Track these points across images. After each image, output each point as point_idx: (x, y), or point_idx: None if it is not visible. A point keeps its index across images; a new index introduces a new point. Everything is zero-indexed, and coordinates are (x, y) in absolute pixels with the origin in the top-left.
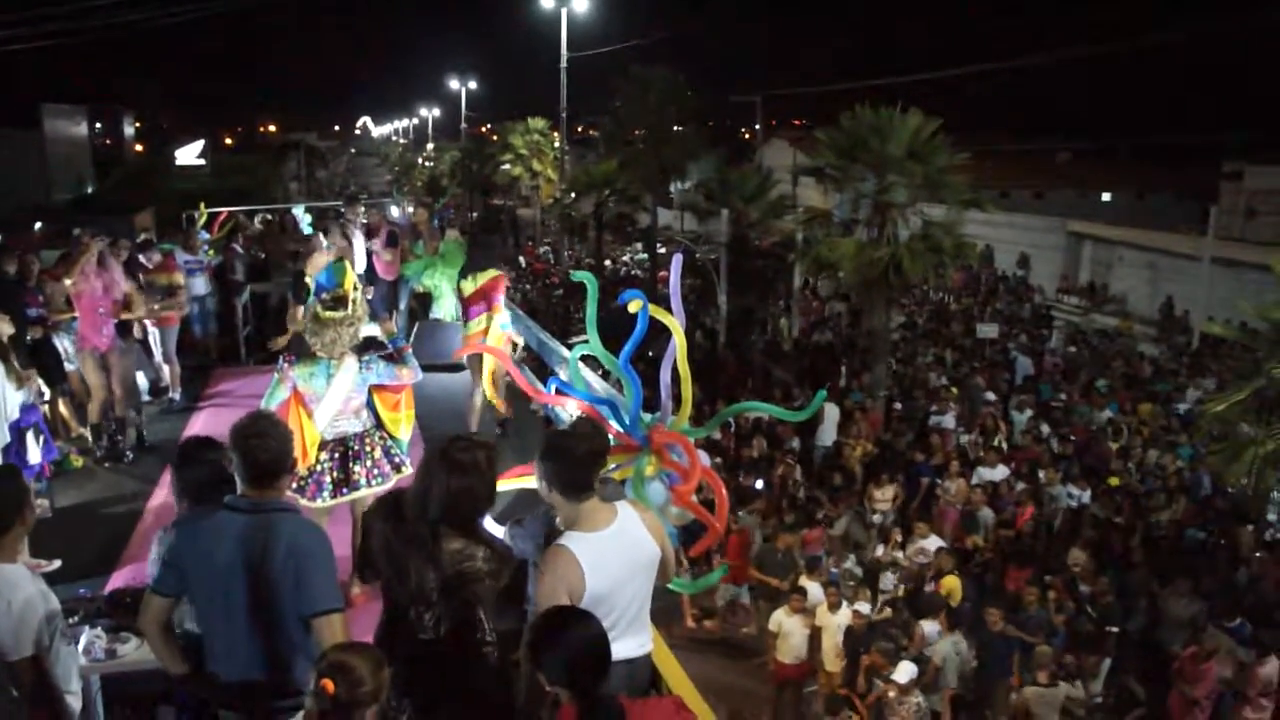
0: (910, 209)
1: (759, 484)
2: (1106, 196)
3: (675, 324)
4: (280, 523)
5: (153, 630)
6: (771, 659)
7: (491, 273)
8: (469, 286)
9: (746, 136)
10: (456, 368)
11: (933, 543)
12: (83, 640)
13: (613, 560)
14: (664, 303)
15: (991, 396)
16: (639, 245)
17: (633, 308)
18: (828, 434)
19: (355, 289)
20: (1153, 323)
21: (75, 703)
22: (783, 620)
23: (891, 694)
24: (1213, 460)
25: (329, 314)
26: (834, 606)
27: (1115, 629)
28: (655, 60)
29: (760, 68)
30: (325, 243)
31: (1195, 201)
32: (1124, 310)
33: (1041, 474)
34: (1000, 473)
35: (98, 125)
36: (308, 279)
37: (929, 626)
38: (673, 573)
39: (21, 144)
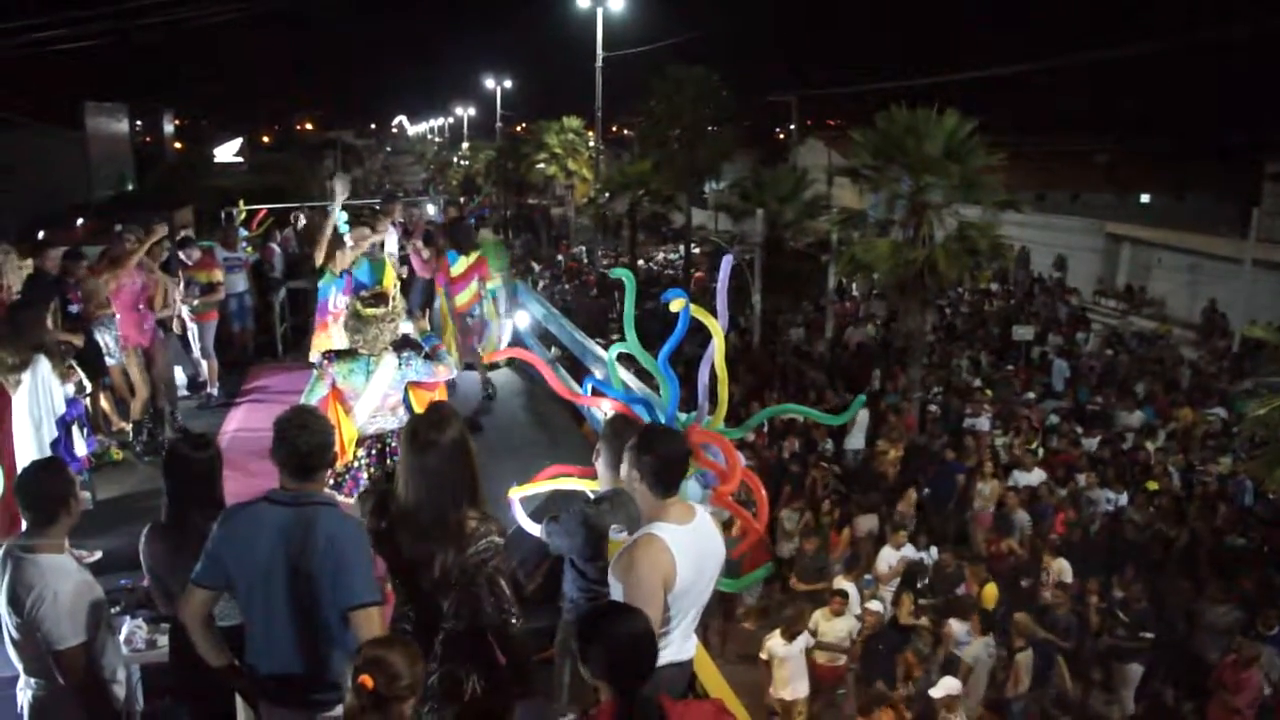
0: (946, 210)
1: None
2: (1145, 198)
3: (715, 324)
4: (320, 516)
5: (194, 622)
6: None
7: (476, 254)
8: (461, 266)
9: (781, 136)
10: (490, 367)
11: (909, 551)
12: (124, 630)
13: (694, 555)
14: (698, 301)
15: (1031, 396)
16: (681, 247)
17: (674, 307)
18: (857, 438)
19: (394, 286)
20: (1192, 326)
21: (120, 691)
22: (819, 621)
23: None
24: (1253, 466)
25: (370, 311)
26: (790, 635)
27: (1149, 635)
28: (690, 60)
29: (796, 67)
30: (349, 241)
31: (1237, 203)
32: (1163, 313)
33: (1080, 478)
34: (1037, 477)
35: (138, 123)
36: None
37: (958, 626)
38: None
39: (65, 142)
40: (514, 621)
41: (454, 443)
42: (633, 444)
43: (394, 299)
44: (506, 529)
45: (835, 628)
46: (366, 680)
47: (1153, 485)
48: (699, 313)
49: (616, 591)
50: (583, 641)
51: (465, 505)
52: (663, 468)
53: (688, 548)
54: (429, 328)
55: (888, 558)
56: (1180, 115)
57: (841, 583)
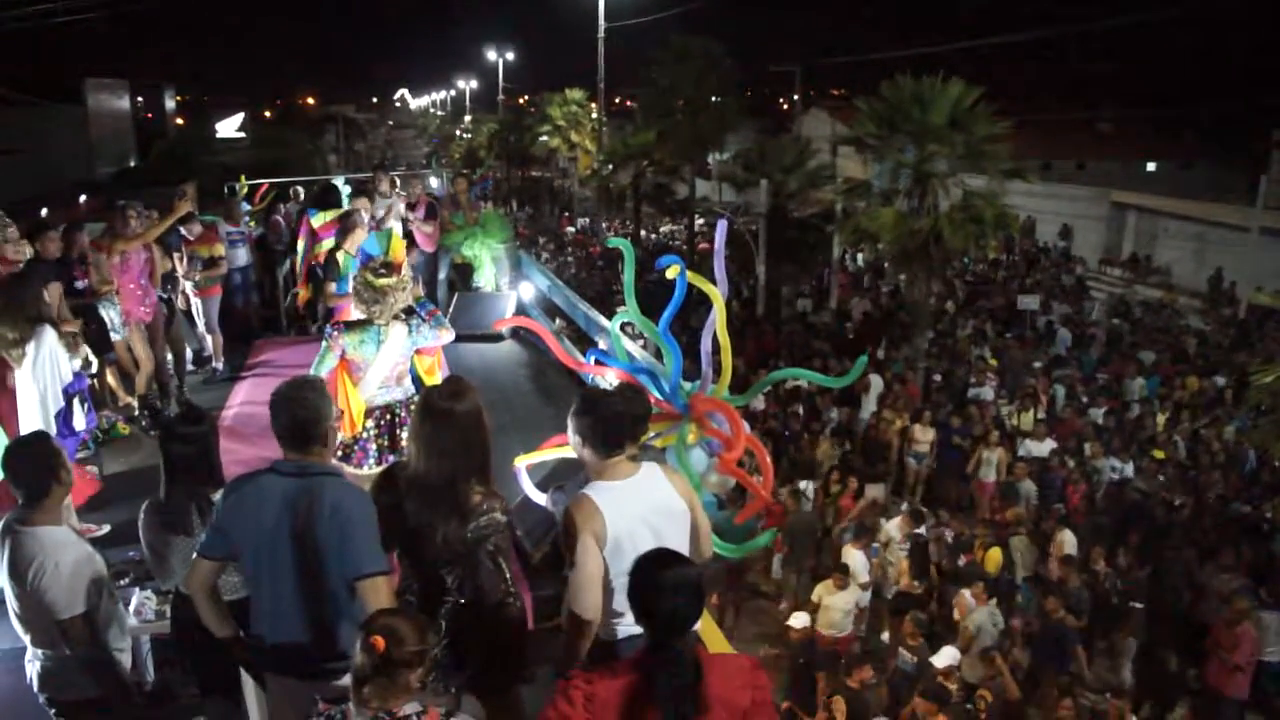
0: (951, 179)
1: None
2: (1151, 166)
3: (714, 291)
4: (324, 486)
5: (200, 593)
6: (809, 630)
7: (337, 210)
8: (320, 219)
9: (785, 106)
10: (495, 337)
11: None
12: (133, 601)
13: (630, 507)
14: (702, 272)
15: (1038, 365)
16: (685, 219)
17: (670, 273)
18: (871, 405)
19: (402, 254)
20: (1198, 295)
21: (125, 659)
22: (823, 593)
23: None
24: (1258, 434)
25: (383, 281)
26: None
27: (1138, 605)
28: (693, 30)
29: (799, 36)
30: (365, 217)
31: (1244, 171)
32: (1168, 282)
33: (1086, 447)
34: (1047, 447)
35: (140, 99)
36: (340, 255)
37: (969, 595)
38: (708, 548)
39: (66, 118)
40: (511, 601)
41: (468, 414)
42: (573, 409)
43: (402, 267)
44: (511, 506)
45: (838, 601)
46: (378, 640)
47: (1159, 454)
48: (697, 279)
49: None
50: (629, 583)
51: (472, 478)
52: (602, 427)
53: (621, 502)
54: (422, 294)
55: (891, 531)
56: (1187, 83)
57: (850, 551)
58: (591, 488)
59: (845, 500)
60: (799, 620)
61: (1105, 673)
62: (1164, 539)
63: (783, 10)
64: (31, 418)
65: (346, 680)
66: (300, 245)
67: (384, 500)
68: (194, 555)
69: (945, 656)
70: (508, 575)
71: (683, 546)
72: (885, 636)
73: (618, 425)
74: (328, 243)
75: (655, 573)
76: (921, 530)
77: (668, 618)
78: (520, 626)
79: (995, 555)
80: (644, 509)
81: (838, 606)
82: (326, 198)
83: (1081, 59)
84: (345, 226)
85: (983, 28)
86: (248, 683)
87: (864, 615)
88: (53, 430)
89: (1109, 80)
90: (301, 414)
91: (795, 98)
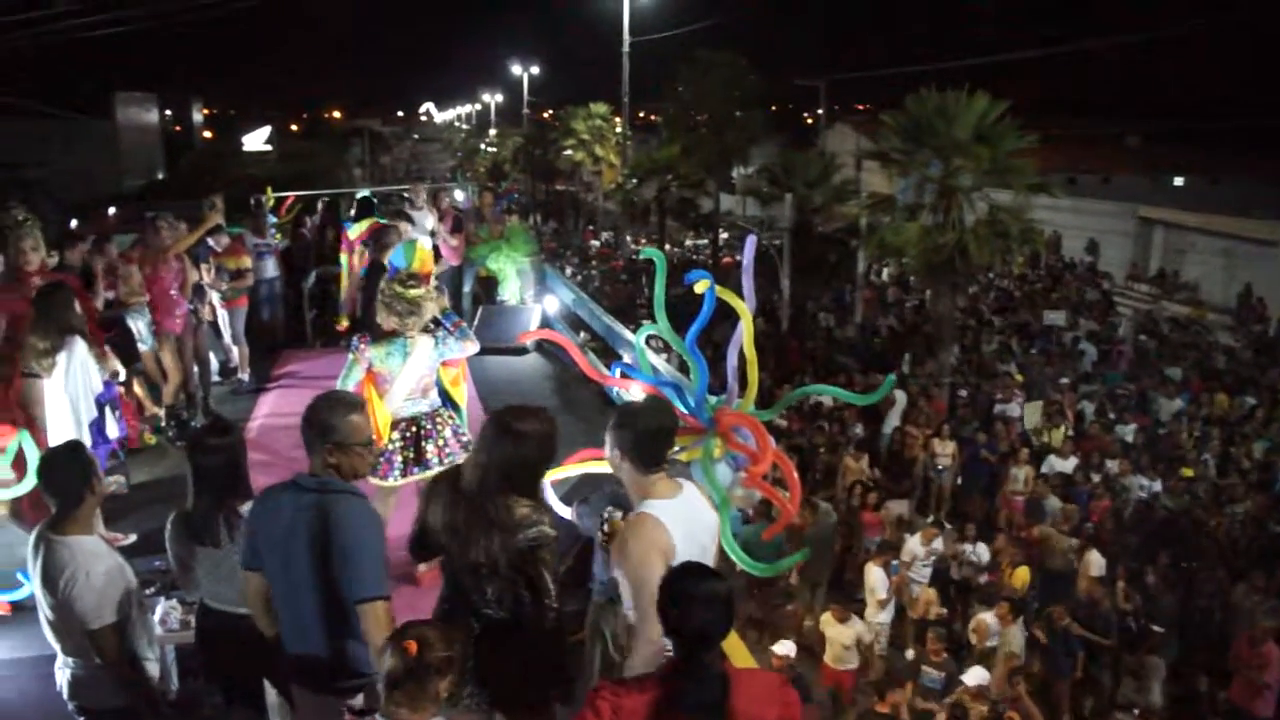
0: (976, 193)
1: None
2: (1179, 181)
3: (742, 306)
4: (337, 504)
5: (255, 604)
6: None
7: (368, 221)
8: (356, 230)
9: (810, 121)
10: (520, 350)
11: (939, 545)
12: (159, 611)
13: (684, 526)
14: (725, 286)
15: (1065, 381)
16: (710, 233)
17: (699, 288)
18: (891, 422)
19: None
20: (1226, 311)
21: (153, 669)
22: (826, 627)
23: (966, 699)
24: None
25: (414, 293)
26: None
27: (1158, 629)
28: (718, 44)
29: (824, 51)
30: (402, 229)
31: (1273, 186)
32: (1196, 298)
33: (1113, 464)
34: (1071, 463)
35: (168, 113)
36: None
37: (989, 617)
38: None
39: (96, 131)
40: (552, 614)
41: (525, 435)
42: (613, 422)
43: (429, 278)
44: (558, 522)
45: (842, 634)
46: (410, 644)
47: (1188, 472)
48: (725, 294)
49: (620, 577)
50: (661, 597)
51: (520, 493)
52: (644, 442)
53: (678, 520)
54: (447, 305)
55: (914, 549)
56: (1215, 97)
57: (870, 569)
58: (650, 506)
59: (866, 515)
60: (782, 649)
61: (1134, 693)
62: (1194, 558)
63: (808, 24)
64: (64, 427)
65: (360, 700)
66: (343, 260)
67: (432, 510)
68: (238, 569)
69: (975, 676)
70: (552, 589)
71: (713, 561)
72: (910, 654)
73: (657, 439)
74: (358, 255)
75: (688, 586)
76: (938, 545)
77: (697, 632)
78: (560, 639)
79: (1023, 574)
80: (694, 526)
81: (839, 640)
82: (362, 212)
83: (1107, 73)
84: (382, 244)
85: (1007, 42)
86: (271, 694)
87: (874, 645)
88: (87, 438)
89: (1136, 94)
90: (329, 427)
91: (820, 112)
